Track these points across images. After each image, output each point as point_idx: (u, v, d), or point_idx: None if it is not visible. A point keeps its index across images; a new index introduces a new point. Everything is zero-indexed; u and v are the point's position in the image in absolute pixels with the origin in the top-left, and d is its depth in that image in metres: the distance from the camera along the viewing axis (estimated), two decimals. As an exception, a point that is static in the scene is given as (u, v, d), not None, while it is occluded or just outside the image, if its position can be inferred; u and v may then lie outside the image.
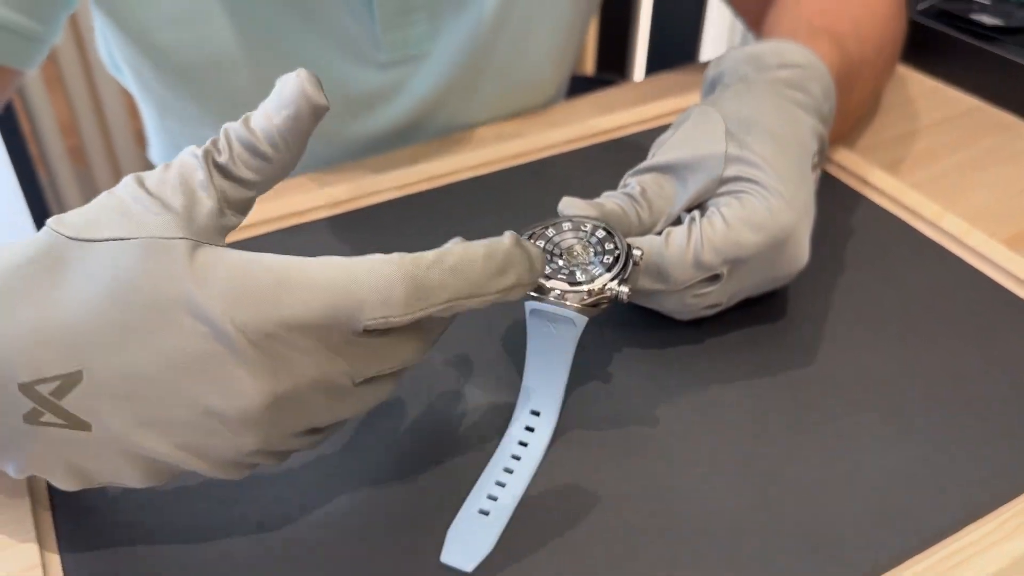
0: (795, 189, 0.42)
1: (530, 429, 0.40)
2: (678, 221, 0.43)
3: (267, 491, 0.38)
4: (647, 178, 0.44)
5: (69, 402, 0.29)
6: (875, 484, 0.39)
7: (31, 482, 0.39)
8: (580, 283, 0.38)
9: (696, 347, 0.46)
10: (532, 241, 0.39)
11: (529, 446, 0.40)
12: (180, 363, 0.29)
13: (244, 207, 0.33)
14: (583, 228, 0.40)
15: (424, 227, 0.55)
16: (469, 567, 0.35)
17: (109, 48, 0.65)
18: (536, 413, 0.40)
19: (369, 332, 0.30)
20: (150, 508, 0.37)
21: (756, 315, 0.48)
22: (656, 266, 0.40)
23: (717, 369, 0.45)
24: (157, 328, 0.29)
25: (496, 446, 0.40)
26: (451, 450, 0.40)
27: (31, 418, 0.30)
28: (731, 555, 0.36)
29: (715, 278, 0.42)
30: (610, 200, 0.42)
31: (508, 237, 0.32)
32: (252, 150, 0.32)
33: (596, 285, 0.38)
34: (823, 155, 0.49)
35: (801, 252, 0.43)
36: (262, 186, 0.33)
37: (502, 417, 0.41)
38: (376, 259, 0.30)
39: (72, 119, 1.21)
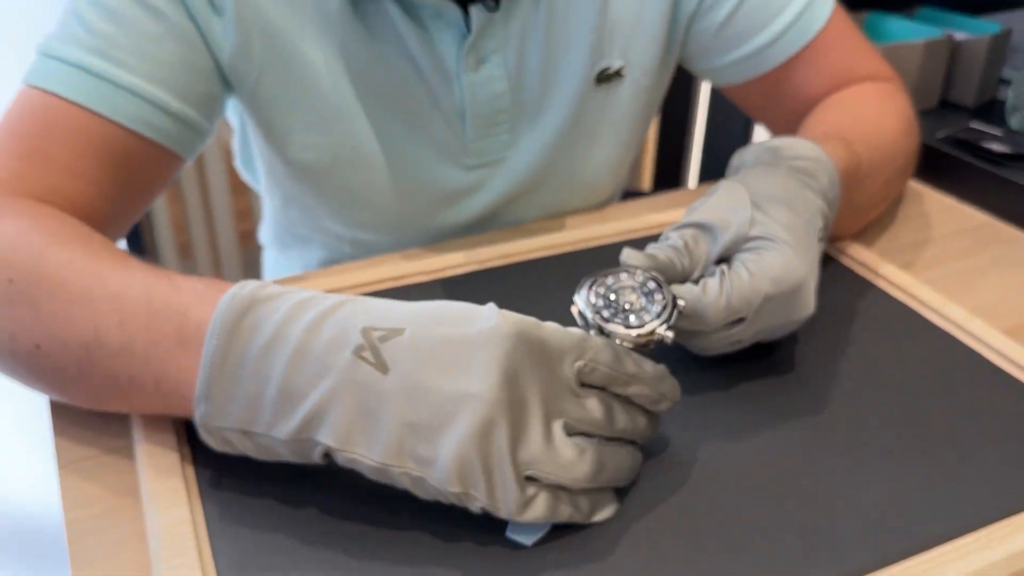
0: (805, 250, 0.51)
1: None
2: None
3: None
4: (687, 232, 0.53)
5: (386, 349, 0.41)
6: (869, 501, 0.46)
7: (181, 453, 0.48)
8: (633, 327, 0.47)
9: (723, 393, 0.55)
10: (594, 286, 0.48)
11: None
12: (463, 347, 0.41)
13: None
14: (636, 278, 0.49)
15: (497, 295, 0.64)
16: (529, 542, 0.43)
17: (246, 147, 0.77)
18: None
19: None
20: (287, 480, 0.46)
21: (774, 369, 0.56)
22: (694, 311, 0.49)
23: (740, 409, 0.53)
24: (463, 322, 0.42)
25: None
26: None
27: (356, 351, 0.41)
28: (742, 549, 0.43)
29: (739, 320, 0.50)
30: (660, 252, 0.51)
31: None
32: None
33: (646, 330, 0.47)
34: (826, 233, 0.58)
35: (809, 301, 0.52)
36: None
37: None
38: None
39: (183, 217, 1.34)
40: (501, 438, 0.40)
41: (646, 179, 1.57)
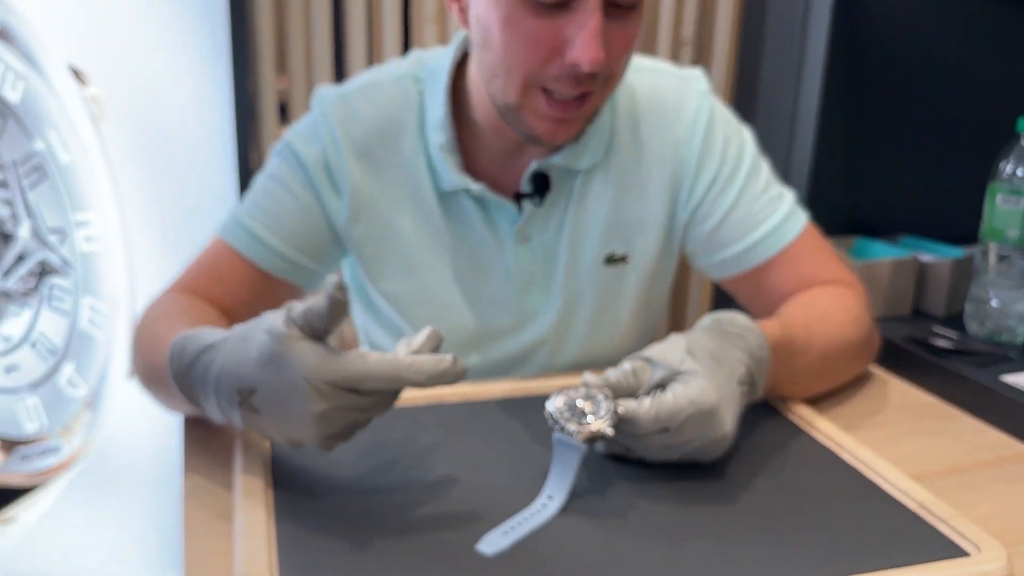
0: (718, 386, 0.70)
1: (544, 505, 0.67)
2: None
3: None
4: (636, 363, 0.72)
5: (253, 398, 0.63)
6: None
7: (264, 464, 0.69)
8: (584, 424, 0.66)
9: (661, 486, 0.72)
10: (561, 396, 0.68)
11: (544, 510, 0.66)
12: (292, 393, 0.62)
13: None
14: (592, 392, 0.69)
15: (523, 416, 0.85)
16: (489, 552, 0.62)
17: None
18: (551, 497, 0.68)
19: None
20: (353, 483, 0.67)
21: (705, 475, 0.74)
22: (632, 418, 0.68)
23: (678, 500, 0.70)
24: (282, 376, 0.62)
25: (526, 505, 0.67)
26: (499, 502, 0.68)
27: (240, 403, 0.64)
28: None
29: (667, 430, 0.69)
30: (613, 375, 0.71)
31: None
32: None
33: (593, 428, 0.66)
34: (753, 386, 0.76)
35: (722, 422, 0.69)
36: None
37: (532, 493, 0.69)
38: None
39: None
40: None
41: None
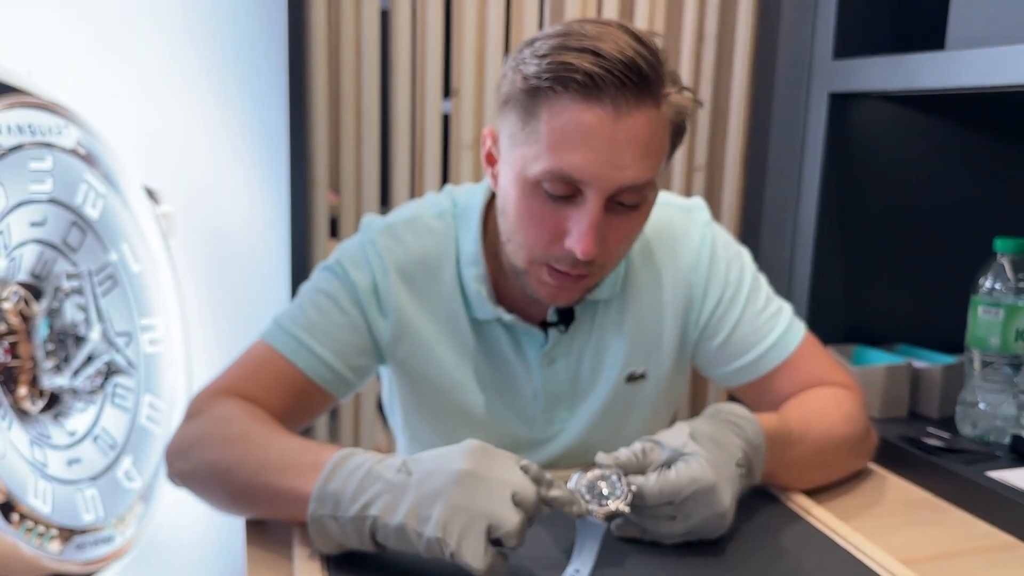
0: (717, 467, 0.77)
1: (575, 573, 0.74)
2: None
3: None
4: (646, 444, 0.80)
5: (411, 464, 0.73)
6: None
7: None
8: (604, 506, 0.75)
9: (669, 562, 0.80)
10: (579, 479, 0.76)
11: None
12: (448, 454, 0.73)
13: None
14: (606, 474, 0.76)
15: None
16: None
17: (391, 398, 1.11)
18: (577, 571, 0.75)
19: None
20: None
21: (706, 554, 0.81)
22: (640, 493, 0.76)
23: (694, 570, 0.78)
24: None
25: None
26: (533, 569, 0.76)
27: (398, 469, 0.73)
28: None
29: (670, 504, 0.76)
30: (623, 454, 0.79)
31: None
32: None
33: (611, 507, 0.75)
34: (751, 470, 0.83)
35: (721, 500, 0.77)
36: None
37: (560, 565, 0.76)
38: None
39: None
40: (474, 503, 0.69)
41: None
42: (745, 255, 1.07)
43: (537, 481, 0.72)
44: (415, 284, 0.99)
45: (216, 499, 0.85)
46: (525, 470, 0.72)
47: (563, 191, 0.84)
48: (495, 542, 0.69)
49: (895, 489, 1.04)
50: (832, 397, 1.01)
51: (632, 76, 0.80)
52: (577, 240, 0.84)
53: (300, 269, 1.62)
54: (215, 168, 1.56)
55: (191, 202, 1.55)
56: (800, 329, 1.05)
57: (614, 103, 0.80)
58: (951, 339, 1.29)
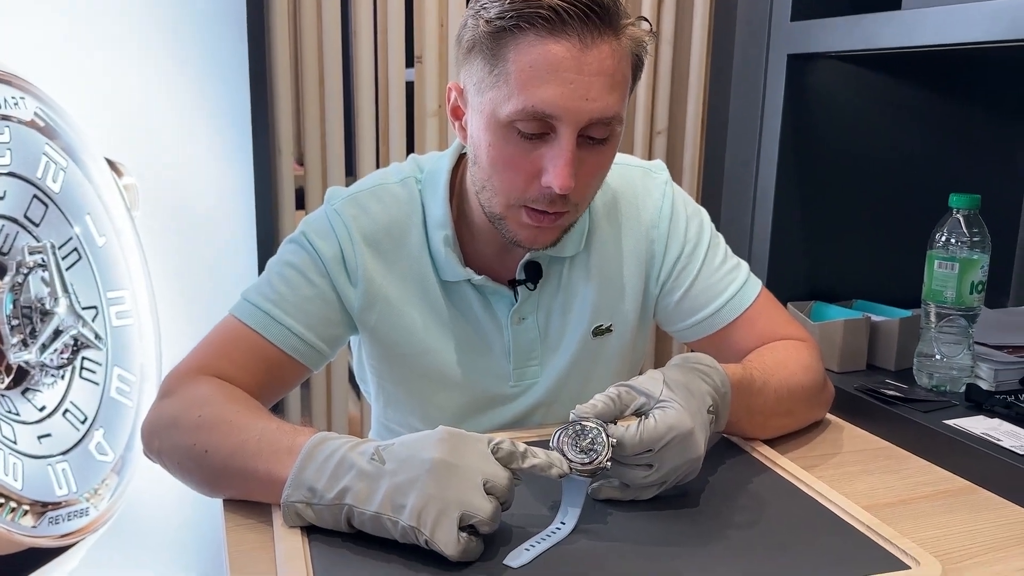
0: (693, 413, 0.78)
1: (557, 529, 0.75)
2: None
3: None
4: (622, 389, 0.81)
5: (384, 453, 0.73)
6: None
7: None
8: (586, 463, 0.75)
9: (651, 515, 0.80)
10: (560, 436, 0.76)
11: (558, 532, 0.75)
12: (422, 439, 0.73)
13: None
14: (587, 427, 0.76)
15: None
16: (515, 564, 0.70)
17: (361, 367, 1.10)
18: (563, 523, 0.76)
19: None
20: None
21: (683, 506, 0.82)
22: (620, 442, 0.76)
23: (659, 526, 0.78)
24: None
25: (540, 531, 0.76)
26: (518, 527, 0.76)
27: (370, 458, 0.73)
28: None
29: (648, 452, 0.77)
30: (600, 401, 0.79)
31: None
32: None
33: (595, 463, 0.75)
34: (718, 417, 0.85)
35: (698, 445, 0.78)
36: None
37: (543, 523, 0.77)
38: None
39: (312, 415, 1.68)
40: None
41: None
42: (703, 214, 1.08)
43: (510, 458, 0.73)
44: (382, 251, 0.98)
45: (192, 480, 0.84)
46: (496, 451, 0.72)
47: (536, 129, 0.84)
48: (469, 528, 0.70)
49: (855, 439, 1.05)
50: (790, 349, 1.02)
51: (595, 8, 0.81)
52: (554, 176, 0.84)
53: (267, 240, 1.60)
54: (178, 140, 1.53)
55: (154, 174, 1.52)
56: (756, 285, 1.06)
57: (580, 36, 0.81)
58: (907, 294, 1.31)
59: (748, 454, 0.95)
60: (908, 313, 1.26)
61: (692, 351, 0.98)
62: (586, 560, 0.73)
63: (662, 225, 1.04)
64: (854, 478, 0.94)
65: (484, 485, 0.70)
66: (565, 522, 0.76)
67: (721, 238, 1.08)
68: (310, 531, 0.75)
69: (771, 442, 0.98)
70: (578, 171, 0.85)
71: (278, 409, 1.50)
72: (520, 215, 0.89)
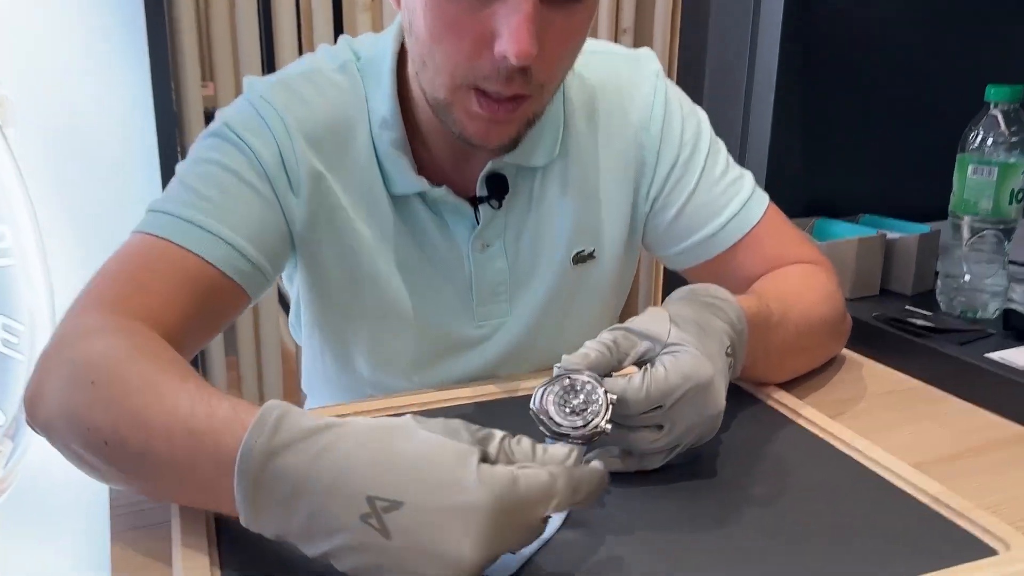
0: (711, 356, 0.60)
1: (548, 517, 0.56)
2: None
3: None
4: (619, 333, 0.62)
5: (388, 519, 0.46)
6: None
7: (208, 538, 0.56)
8: (581, 427, 0.55)
9: (660, 489, 0.62)
10: (545, 394, 0.57)
11: (545, 528, 0.55)
12: (452, 518, 0.47)
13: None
14: (576, 382, 0.57)
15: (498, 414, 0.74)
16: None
17: (297, 308, 0.89)
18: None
19: None
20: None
21: (698, 476, 0.64)
22: (622, 399, 0.57)
23: (671, 504, 0.60)
24: (451, 491, 0.47)
25: None
26: None
27: (364, 518, 0.47)
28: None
29: (658, 409, 0.58)
30: (593, 350, 0.60)
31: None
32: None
33: (591, 426, 0.55)
34: (736, 359, 0.67)
35: (718, 397, 0.60)
36: None
37: None
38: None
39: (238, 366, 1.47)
40: None
41: None
42: (700, 113, 0.89)
43: (503, 456, 0.52)
44: (325, 152, 0.77)
45: (88, 467, 0.59)
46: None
47: None
48: None
49: (879, 378, 0.88)
50: (807, 275, 0.85)
51: None
52: (510, 40, 0.63)
53: (171, 165, 1.36)
54: (59, 51, 1.27)
55: (35, 91, 1.27)
56: (763, 199, 0.88)
57: None
58: (922, 207, 1.13)
59: (763, 403, 0.78)
60: (926, 228, 1.09)
61: (690, 283, 0.79)
62: (578, 560, 0.55)
63: (653, 127, 0.85)
64: (889, 428, 0.77)
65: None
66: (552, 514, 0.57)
67: (721, 144, 0.89)
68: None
69: (783, 386, 0.81)
70: (542, 37, 0.64)
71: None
72: (469, 102, 0.68)
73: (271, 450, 0.49)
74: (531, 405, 0.57)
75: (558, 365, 0.60)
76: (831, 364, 0.90)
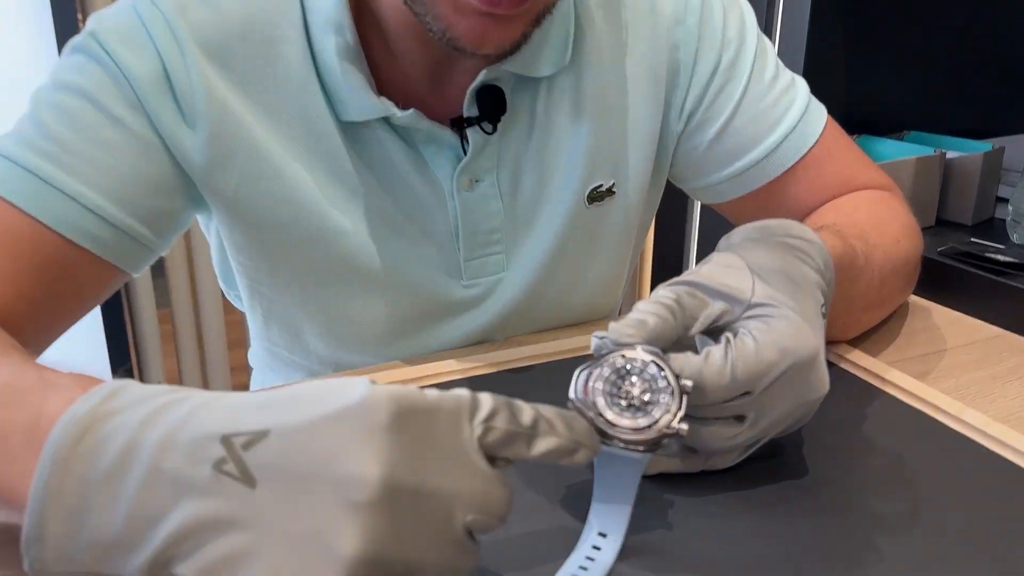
0: (811, 322, 0.44)
1: (596, 548, 0.41)
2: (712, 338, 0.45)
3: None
4: (683, 289, 0.45)
5: (250, 457, 0.32)
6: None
7: None
8: (646, 428, 0.39)
9: (739, 497, 0.46)
10: (589, 380, 0.40)
11: (595, 562, 0.40)
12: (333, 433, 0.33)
13: None
14: (634, 361, 0.41)
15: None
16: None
17: (224, 263, 0.72)
18: (603, 535, 0.41)
19: None
20: None
21: (781, 474, 0.48)
22: (699, 386, 0.42)
23: (755, 518, 0.45)
24: (327, 398, 0.33)
25: (565, 549, 0.41)
26: (520, 567, 0.41)
27: (217, 465, 0.32)
28: None
29: (744, 395, 0.43)
30: (649, 314, 0.43)
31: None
32: None
33: (660, 426, 0.39)
34: (826, 315, 0.51)
35: (823, 378, 0.44)
36: None
37: (568, 540, 0.42)
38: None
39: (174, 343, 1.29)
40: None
41: (645, 290, 1.51)
42: (744, 4, 0.71)
43: (506, 443, 0.35)
44: (236, 69, 0.58)
45: None
46: (485, 434, 0.35)
47: None
48: None
49: (956, 327, 0.73)
50: (881, 203, 0.70)
51: None
52: None
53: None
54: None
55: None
56: (821, 111, 0.71)
57: None
58: (969, 127, 0.97)
59: (835, 366, 0.62)
60: (987, 146, 0.92)
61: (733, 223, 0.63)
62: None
63: (690, 19, 0.67)
64: (985, 390, 0.62)
65: (467, 525, 0.34)
66: (607, 534, 0.42)
67: (768, 42, 0.72)
68: None
69: (850, 342, 0.66)
70: None
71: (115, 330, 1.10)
72: None
73: (97, 416, 0.35)
74: (570, 395, 0.40)
75: (601, 335, 0.43)
76: (895, 312, 0.75)
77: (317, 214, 0.62)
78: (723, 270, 0.46)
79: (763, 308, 0.44)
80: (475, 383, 0.61)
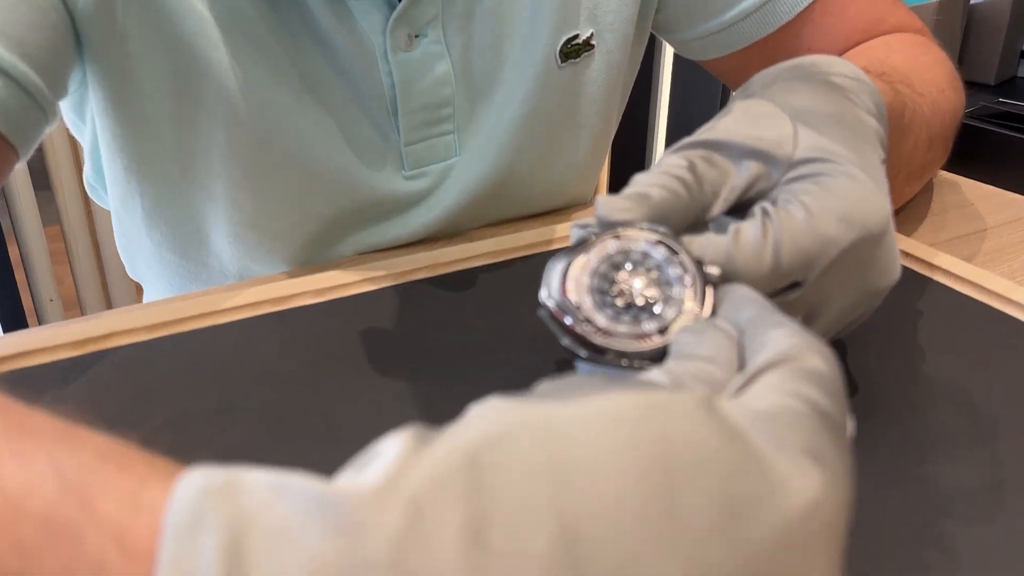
0: (877, 178, 0.32)
1: None
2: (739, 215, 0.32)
3: None
4: (693, 153, 0.32)
5: None
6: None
7: None
8: (649, 333, 0.27)
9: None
10: (572, 277, 0.28)
11: None
12: None
13: None
14: (636, 243, 0.28)
15: (449, 306, 0.45)
16: None
17: (97, 156, 0.56)
18: None
19: None
20: None
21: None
22: (730, 271, 0.29)
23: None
24: None
25: None
26: None
27: None
28: None
29: (793, 287, 0.30)
30: (653, 187, 0.30)
31: None
32: None
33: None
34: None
35: (896, 256, 0.32)
36: None
37: None
38: None
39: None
40: None
41: (603, 184, 1.36)
42: None
43: None
44: None
45: None
46: None
47: None
48: None
49: (995, 201, 0.62)
50: (919, 48, 0.57)
51: None
52: None
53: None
54: None
55: None
56: None
57: None
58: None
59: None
60: (1014, -9, 0.79)
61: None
62: None
63: None
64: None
65: None
66: None
67: None
68: None
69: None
70: None
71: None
72: None
73: None
74: (542, 297, 0.28)
75: (584, 223, 0.30)
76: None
77: (217, 80, 0.48)
78: (751, 120, 0.33)
79: (813, 164, 0.31)
80: (402, 291, 0.48)
